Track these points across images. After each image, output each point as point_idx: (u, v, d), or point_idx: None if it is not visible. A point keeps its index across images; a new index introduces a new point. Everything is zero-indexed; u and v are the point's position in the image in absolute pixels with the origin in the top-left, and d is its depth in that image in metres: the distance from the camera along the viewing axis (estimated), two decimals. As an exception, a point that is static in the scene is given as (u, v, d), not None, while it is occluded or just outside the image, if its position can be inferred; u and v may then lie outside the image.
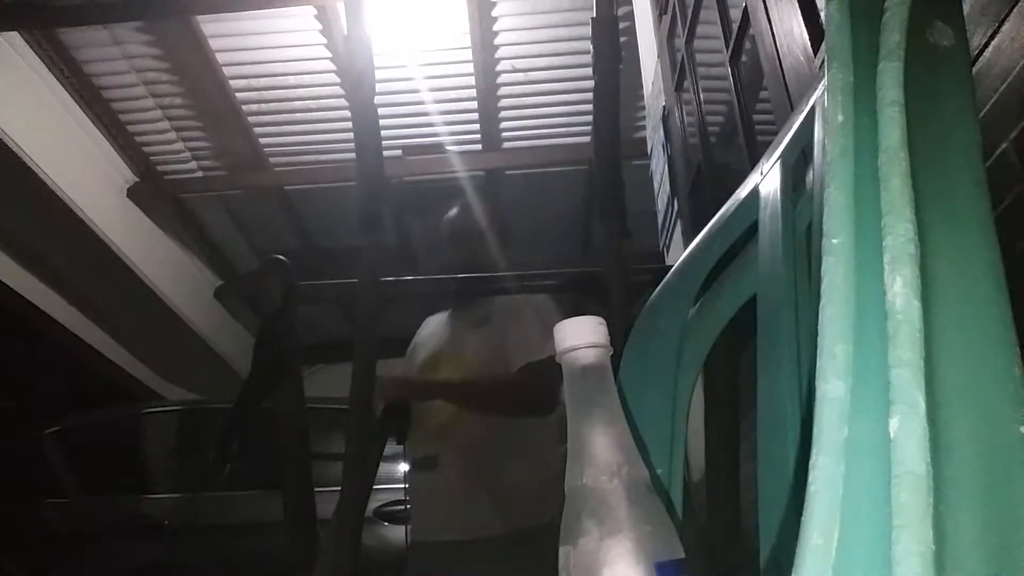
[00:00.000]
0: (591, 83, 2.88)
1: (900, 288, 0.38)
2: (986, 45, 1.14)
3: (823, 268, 0.41)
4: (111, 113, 4.79)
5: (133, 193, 5.14)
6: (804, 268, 0.72)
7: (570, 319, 0.56)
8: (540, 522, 1.86)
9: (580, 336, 0.55)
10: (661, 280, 0.97)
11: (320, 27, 4.36)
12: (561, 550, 0.51)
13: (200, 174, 5.42)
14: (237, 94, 4.76)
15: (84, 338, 5.27)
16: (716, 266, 0.92)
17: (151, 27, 4.33)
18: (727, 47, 2.66)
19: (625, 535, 0.48)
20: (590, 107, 2.96)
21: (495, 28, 4.63)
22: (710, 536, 2.14)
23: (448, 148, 5.40)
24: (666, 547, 0.49)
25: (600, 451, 0.52)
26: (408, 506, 3.06)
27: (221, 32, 4.35)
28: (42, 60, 4.29)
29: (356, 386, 2.59)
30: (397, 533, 3.20)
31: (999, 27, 1.11)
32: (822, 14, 1.73)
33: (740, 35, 2.54)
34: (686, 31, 3.30)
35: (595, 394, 0.53)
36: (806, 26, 1.87)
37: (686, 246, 1.00)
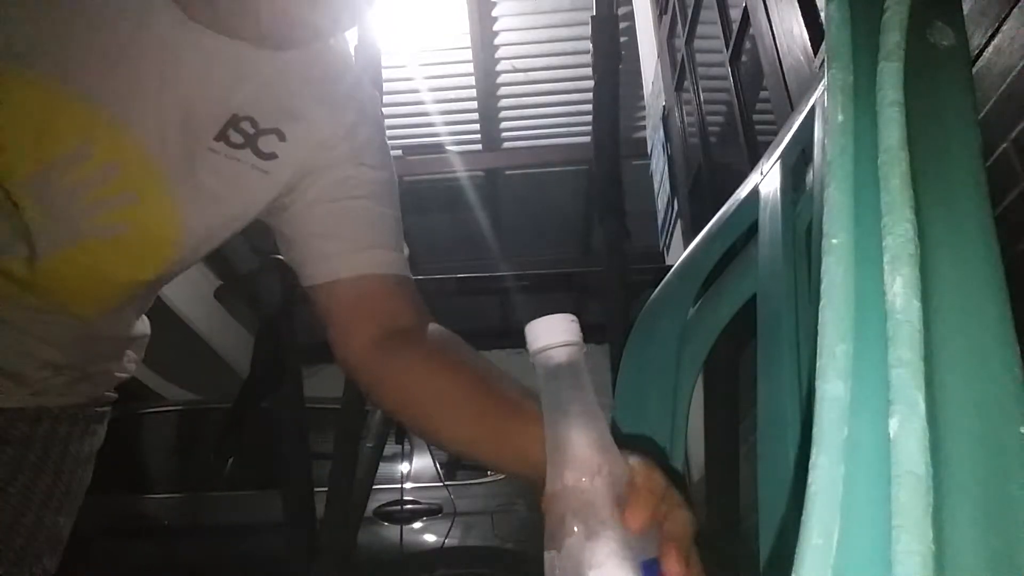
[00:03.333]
0: (591, 83, 2.88)
1: (900, 288, 0.38)
2: (986, 45, 1.14)
3: (823, 268, 0.41)
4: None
5: (133, 193, 5.13)
6: (804, 268, 0.72)
7: (541, 318, 0.53)
8: None
9: (552, 335, 0.53)
10: (661, 280, 0.97)
11: (320, 27, 4.36)
12: (546, 556, 0.50)
13: (200, 174, 5.41)
14: (237, 94, 4.75)
15: (84, 338, 5.26)
16: (716, 266, 0.92)
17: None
18: (727, 47, 2.66)
19: (610, 535, 0.47)
20: (590, 107, 2.97)
21: (495, 28, 4.63)
22: (710, 536, 2.14)
23: (448, 148, 5.41)
24: (651, 544, 0.49)
25: (579, 451, 0.50)
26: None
27: (221, 32, 4.34)
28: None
29: (350, 385, 2.59)
30: (396, 533, 3.21)
31: (999, 27, 1.11)
32: (822, 14, 1.74)
33: (740, 35, 2.54)
34: (686, 31, 3.30)
35: (571, 393, 0.52)
36: (806, 26, 1.87)
37: (686, 246, 1.00)
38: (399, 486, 3.31)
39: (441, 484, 3.43)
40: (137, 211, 0.78)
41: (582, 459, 0.50)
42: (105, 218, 0.77)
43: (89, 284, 0.83)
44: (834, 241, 0.41)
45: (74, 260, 0.79)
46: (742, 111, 2.55)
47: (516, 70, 4.94)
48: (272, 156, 0.82)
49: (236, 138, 0.80)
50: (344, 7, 0.81)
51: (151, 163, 0.77)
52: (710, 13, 2.93)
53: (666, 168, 3.84)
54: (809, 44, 1.84)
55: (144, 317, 1.02)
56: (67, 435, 0.96)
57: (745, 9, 2.37)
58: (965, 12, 0.63)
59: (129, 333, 0.97)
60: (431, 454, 3.54)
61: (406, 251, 0.89)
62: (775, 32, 2.07)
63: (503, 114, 5.31)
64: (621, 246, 2.45)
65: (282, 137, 0.82)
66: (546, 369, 0.53)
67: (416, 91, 4.90)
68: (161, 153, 0.77)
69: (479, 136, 5.43)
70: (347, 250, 0.84)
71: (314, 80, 0.86)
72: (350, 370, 0.84)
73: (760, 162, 0.87)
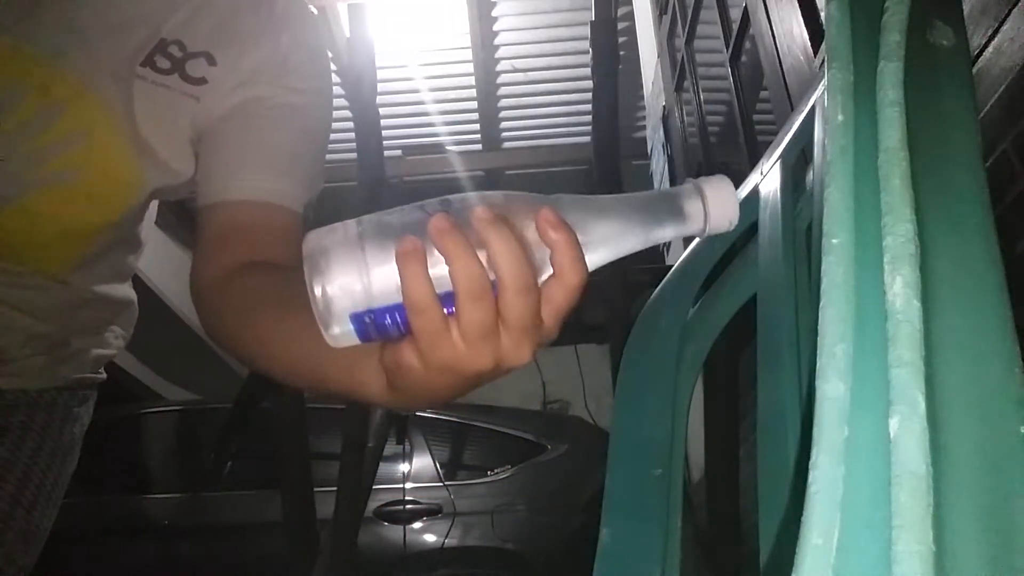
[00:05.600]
0: (591, 83, 2.88)
1: (900, 288, 0.38)
2: (986, 45, 1.14)
3: (823, 268, 0.41)
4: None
5: (133, 193, 5.13)
6: (804, 268, 0.72)
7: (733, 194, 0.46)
8: None
9: (725, 211, 0.45)
10: (661, 280, 0.96)
11: (320, 27, 4.37)
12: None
13: (200, 174, 5.41)
14: (237, 94, 4.76)
15: (84, 338, 5.26)
16: (716, 266, 0.92)
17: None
18: (727, 47, 2.66)
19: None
20: (590, 107, 2.97)
21: (495, 28, 4.63)
22: (710, 536, 2.14)
23: (448, 148, 5.41)
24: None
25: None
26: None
27: (221, 32, 4.34)
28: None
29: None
30: (397, 533, 3.21)
31: (999, 27, 1.11)
32: (822, 14, 1.74)
33: (740, 35, 2.54)
34: (686, 31, 3.30)
35: (652, 218, 0.46)
36: (806, 26, 1.87)
37: (686, 246, 1.00)
38: (400, 486, 3.31)
39: (441, 484, 3.43)
40: (88, 152, 0.74)
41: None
42: (57, 163, 0.74)
43: (52, 235, 0.79)
44: (834, 241, 0.41)
45: (32, 211, 0.75)
46: (742, 111, 2.55)
47: (516, 70, 4.94)
48: (201, 81, 0.77)
49: (163, 63, 0.76)
50: None
51: (91, 99, 0.73)
52: (710, 13, 2.93)
53: (666, 168, 3.84)
54: (809, 44, 1.84)
55: (129, 285, 0.96)
56: (44, 424, 0.90)
57: (745, 9, 2.37)
58: (965, 12, 0.63)
59: (111, 295, 0.91)
60: (431, 454, 3.54)
61: (318, 186, 0.81)
62: (775, 32, 2.07)
63: (503, 114, 5.31)
64: (621, 246, 2.45)
65: (212, 61, 0.77)
66: (687, 213, 0.46)
67: (416, 91, 4.90)
68: (98, 87, 0.73)
69: (479, 136, 5.43)
70: (240, 171, 0.76)
71: (247, 3, 0.81)
72: (195, 299, 0.73)
73: (760, 162, 0.87)
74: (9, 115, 0.71)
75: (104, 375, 0.98)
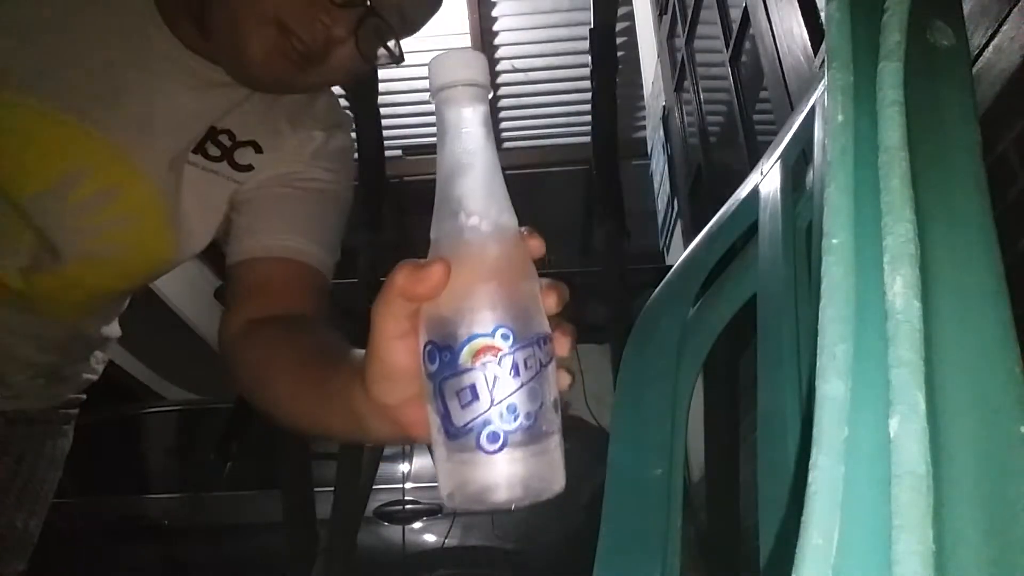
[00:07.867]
0: (590, 84, 2.88)
1: (900, 288, 0.38)
2: (986, 45, 1.14)
3: (823, 268, 0.41)
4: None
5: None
6: (804, 268, 0.72)
7: (446, 53, 0.47)
8: None
9: (458, 72, 0.47)
10: (661, 280, 0.96)
11: (320, 27, 4.36)
12: None
13: (200, 174, 5.41)
14: (237, 94, 4.76)
15: (84, 338, 5.25)
16: (716, 266, 0.92)
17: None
18: (727, 47, 2.66)
19: (488, 279, 0.43)
20: (589, 107, 2.97)
21: (495, 28, 4.63)
22: (710, 536, 2.14)
23: (448, 148, 5.42)
24: (524, 305, 0.43)
25: (475, 198, 0.46)
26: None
27: (221, 32, 4.35)
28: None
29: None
30: (397, 533, 3.21)
31: (999, 27, 1.11)
32: (822, 14, 1.74)
33: (740, 35, 2.54)
34: (686, 31, 3.30)
35: (473, 140, 0.48)
36: (806, 26, 1.87)
37: (686, 246, 1.00)
38: (400, 486, 3.31)
39: (441, 484, 3.43)
40: (136, 233, 0.80)
41: (477, 205, 0.46)
42: (106, 238, 0.79)
43: (80, 297, 0.86)
44: (834, 241, 0.41)
45: (70, 278, 0.81)
46: (742, 111, 2.55)
47: (516, 70, 4.94)
48: (248, 168, 0.83)
49: (213, 151, 0.82)
50: (334, 77, 0.82)
51: (148, 186, 0.79)
52: (710, 13, 2.93)
53: (666, 168, 3.84)
54: (809, 44, 1.84)
55: (116, 321, 1.04)
56: (42, 437, 0.99)
57: (745, 9, 2.37)
58: (965, 12, 0.63)
59: (104, 333, 1.00)
60: (431, 454, 3.54)
61: (336, 254, 0.87)
62: (775, 32, 2.07)
63: (503, 114, 5.31)
64: (621, 246, 2.45)
65: (259, 149, 0.83)
66: (445, 111, 0.48)
67: (416, 91, 4.90)
68: (156, 175, 0.79)
69: (479, 136, 5.43)
70: (269, 232, 0.81)
71: (292, 100, 0.87)
72: (223, 351, 0.77)
73: (760, 162, 0.87)
74: (72, 191, 0.77)
75: (84, 396, 1.07)
